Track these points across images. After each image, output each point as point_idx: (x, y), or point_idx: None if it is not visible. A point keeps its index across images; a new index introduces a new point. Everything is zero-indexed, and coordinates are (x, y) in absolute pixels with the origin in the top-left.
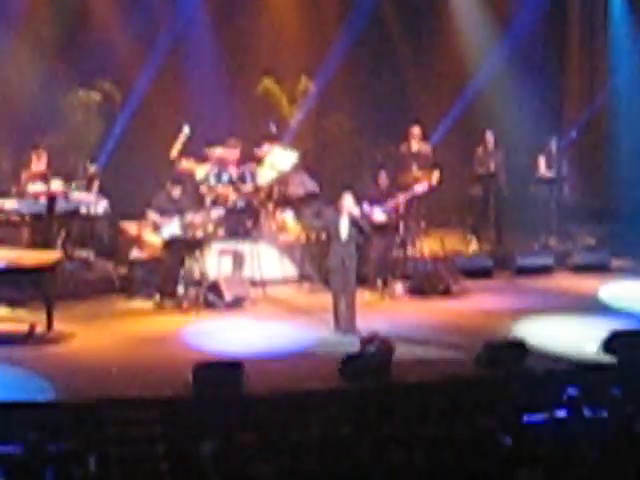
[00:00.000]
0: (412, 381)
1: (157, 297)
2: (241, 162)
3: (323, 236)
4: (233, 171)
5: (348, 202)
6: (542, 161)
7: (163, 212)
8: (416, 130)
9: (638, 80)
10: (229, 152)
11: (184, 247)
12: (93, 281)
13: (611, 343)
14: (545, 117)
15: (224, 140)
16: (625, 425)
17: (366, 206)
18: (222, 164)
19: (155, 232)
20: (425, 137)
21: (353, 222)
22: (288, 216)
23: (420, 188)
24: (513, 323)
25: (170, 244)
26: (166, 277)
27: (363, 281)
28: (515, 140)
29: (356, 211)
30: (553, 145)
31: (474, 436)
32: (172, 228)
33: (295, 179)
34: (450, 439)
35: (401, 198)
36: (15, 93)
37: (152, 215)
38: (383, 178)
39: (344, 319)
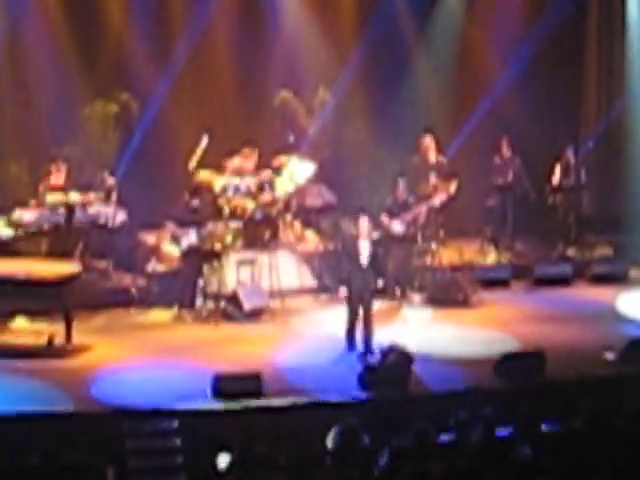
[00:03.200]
0: (431, 391)
1: (175, 308)
2: (256, 172)
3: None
4: (251, 180)
5: (364, 225)
6: (558, 170)
7: (181, 223)
8: (427, 140)
9: None
10: (245, 162)
11: (202, 258)
12: (111, 292)
13: (629, 352)
14: (563, 126)
15: (239, 150)
16: None
17: (385, 217)
18: (240, 174)
19: (173, 243)
20: (439, 146)
21: (372, 247)
22: (306, 227)
23: (438, 199)
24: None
25: (188, 255)
26: (184, 288)
27: (381, 291)
28: (533, 149)
29: (374, 235)
30: (570, 154)
31: (492, 446)
32: (190, 239)
33: (313, 190)
34: (468, 449)
35: (420, 209)
36: (32, 105)
37: (170, 226)
38: (401, 189)
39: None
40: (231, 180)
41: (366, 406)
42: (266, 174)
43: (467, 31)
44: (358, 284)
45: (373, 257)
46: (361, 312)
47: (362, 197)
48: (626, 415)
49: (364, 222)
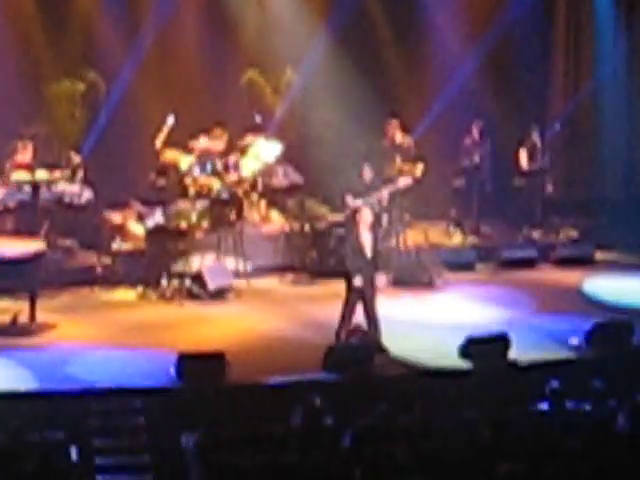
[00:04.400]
0: (394, 372)
1: (140, 288)
2: (225, 153)
3: (306, 227)
4: (218, 161)
5: (367, 216)
6: (524, 153)
7: (147, 202)
8: (394, 123)
9: (622, 72)
10: (213, 143)
11: (168, 237)
12: (76, 271)
13: (594, 336)
14: (529, 108)
15: (209, 130)
16: (607, 418)
17: (349, 199)
18: (206, 155)
19: (139, 222)
20: (405, 129)
21: (375, 236)
22: (272, 207)
23: (404, 181)
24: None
25: (154, 234)
26: (149, 267)
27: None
28: (499, 132)
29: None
30: (536, 136)
31: (456, 428)
32: (156, 218)
33: (279, 170)
34: (432, 431)
35: (385, 190)
36: None
37: (136, 205)
38: (367, 171)
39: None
40: (197, 160)
41: (330, 387)
42: (233, 157)
43: (434, 14)
44: (364, 278)
45: (375, 248)
46: (361, 305)
47: (328, 178)
48: (590, 398)
49: (367, 214)
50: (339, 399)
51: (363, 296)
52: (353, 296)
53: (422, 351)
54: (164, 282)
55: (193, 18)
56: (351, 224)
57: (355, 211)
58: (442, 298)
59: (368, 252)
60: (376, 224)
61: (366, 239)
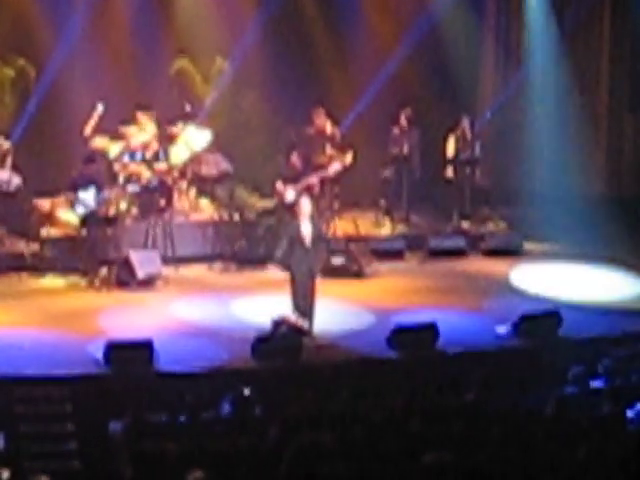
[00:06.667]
0: (322, 362)
1: (69, 275)
2: (155, 135)
3: (236, 216)
4: (147, 149)
5: (307, 207)
6: (451, 142)
7: (78, 189)
8: (321, 111)
9: (553, 63)
10: (140, 127)
11: (98, 224)
12: (4, 258)
13: (521, 326)
14: (459, 98)
15: (132, 115)
16: (534, 407)
17: (279, 185)
18: (135, 141)
19: (70, 209)
20: (332, 118)
21: (315, 227)
22: (201, 195)
23: (334, 167)
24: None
25: (85, 221)
26: (79, 254)
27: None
28: (429, 121)
29: (315, 217)
30: (466, 125)
31: (384, 417)
32: (87, 205)
33: (209, 158)
34: (359, 420)
35: (314, 178)
36: None
37: (67, 192)
38: (296, 158)
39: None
40: (127, 147)
41: (259, 376)
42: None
43: (366, 1)
44: (302, 267)
45: (317, 237)
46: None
47: (258, 166)
48: (516, 388)
49: (306, 203)
50: (268, 388)
51: (302, 286)
52: (295, 288)
53: (351, 339)
54: (93, 269)
55: (123, 6)
56: (289, 215)
57: (293, 202)
58: (371, 287)
59: (308, 242)
60: (315, 213)
61: (306, 230)
